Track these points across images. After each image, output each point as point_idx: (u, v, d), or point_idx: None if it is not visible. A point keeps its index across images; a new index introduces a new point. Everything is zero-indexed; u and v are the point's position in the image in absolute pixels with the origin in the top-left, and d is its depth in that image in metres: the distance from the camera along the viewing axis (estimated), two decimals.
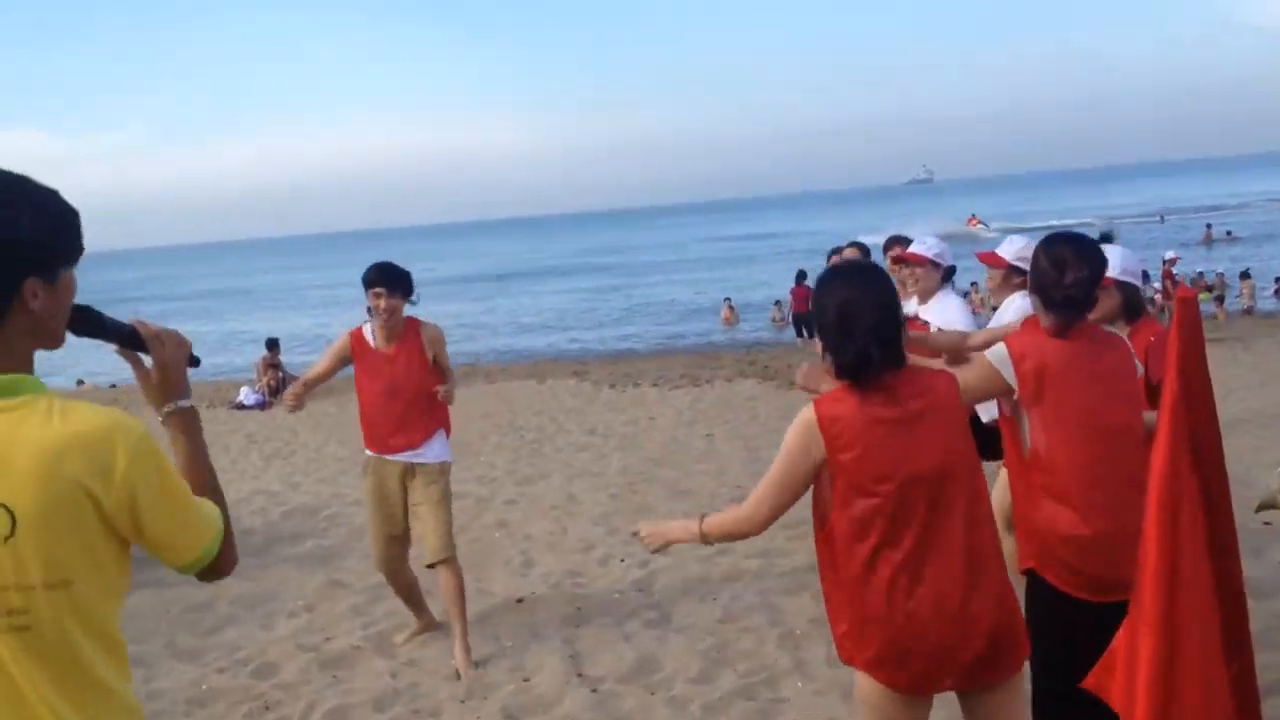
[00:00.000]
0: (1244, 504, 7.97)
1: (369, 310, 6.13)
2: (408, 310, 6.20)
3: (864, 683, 3.25)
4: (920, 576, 3.09)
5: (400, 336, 6.16)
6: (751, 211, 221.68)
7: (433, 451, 6.23)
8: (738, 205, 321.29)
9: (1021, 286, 5.64)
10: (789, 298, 26.14)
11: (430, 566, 6.15)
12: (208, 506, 2.21)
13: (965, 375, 3.64)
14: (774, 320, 33.22)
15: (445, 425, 6.34)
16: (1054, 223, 73.64)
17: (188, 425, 2.32)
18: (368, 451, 6.31)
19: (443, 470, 6.25)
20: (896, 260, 6.60)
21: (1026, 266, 5.57)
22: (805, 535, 8.06)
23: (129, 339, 2.35)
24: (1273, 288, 31.47)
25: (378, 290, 6.05)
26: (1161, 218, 69.40)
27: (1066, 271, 3.58)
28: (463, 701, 5.53)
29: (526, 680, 5.78)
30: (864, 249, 8.75)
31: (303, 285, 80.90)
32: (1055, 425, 3.58)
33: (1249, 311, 25.10)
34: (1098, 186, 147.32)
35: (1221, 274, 33.69)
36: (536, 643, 6.30)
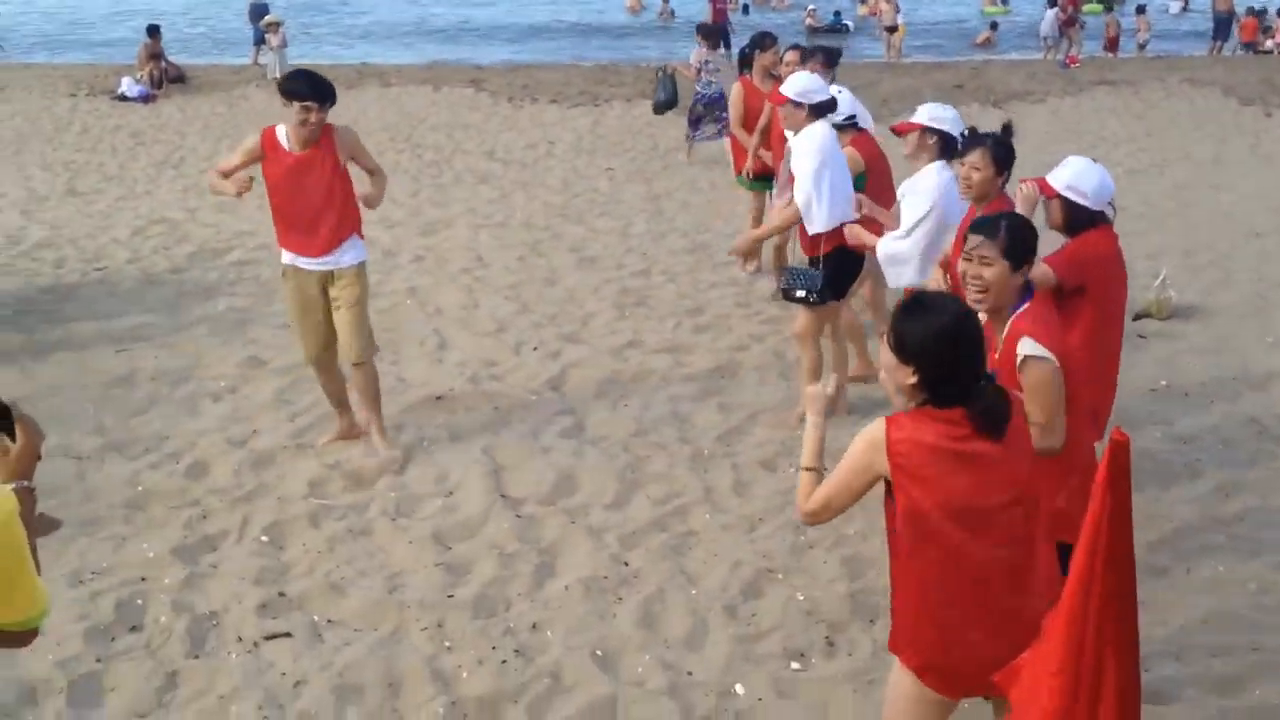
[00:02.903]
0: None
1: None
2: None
3: (904, 680, 3.36)
4: (977, 595, 3.20)
5: (315, 141, 6.11)
6: None
7: (348, 256, 6.30)
8: None
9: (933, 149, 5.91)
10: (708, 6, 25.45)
11: (354, 365, 6.41)
12: (43, 585, 2.44)
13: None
14: (660, 16, 33.23)
15: (357, 228, 6.35)
16: None
17: (27, 503, 2.51)
18: (284, 256, 6.36)
19: (359, 273, 6.34)
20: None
21: (940, 127, 5.85)
22: (709, 328, 8.46)
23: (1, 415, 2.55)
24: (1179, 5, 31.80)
25: (308, 104, 5.96)
26: None
27: None
28: (393, 520, 5.87)
29: (451, 495, 6.14)
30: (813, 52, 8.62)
31: None
32: None
33: (1142, 48, 25.35)
34: None
35: None
36: (457, 449, 6.62)
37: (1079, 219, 4.76)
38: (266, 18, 20.53)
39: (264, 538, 5.69)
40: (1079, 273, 4.70)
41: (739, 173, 9.62)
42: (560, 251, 10.49)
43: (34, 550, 2.44)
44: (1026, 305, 3.89)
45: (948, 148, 5.83)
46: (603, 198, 12.68)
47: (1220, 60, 22.08)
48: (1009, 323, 3.88)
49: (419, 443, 6.71)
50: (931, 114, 5.93)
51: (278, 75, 19.33)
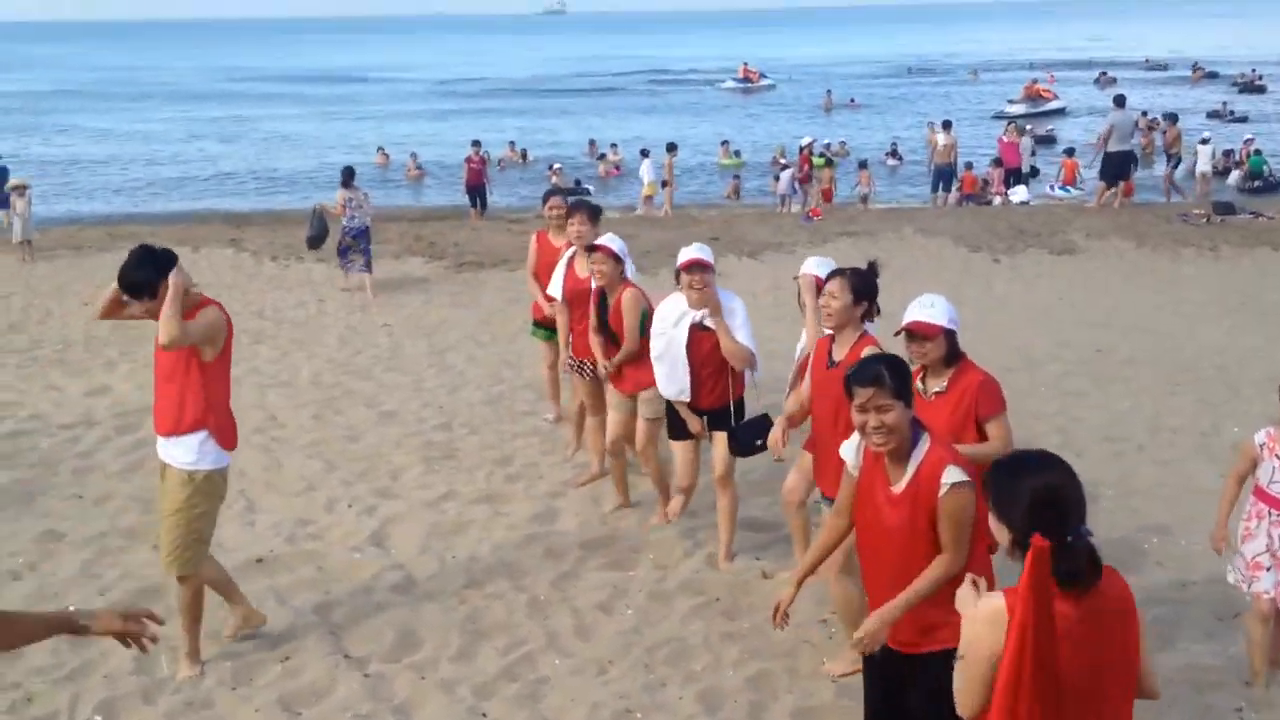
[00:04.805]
0: None
1: None
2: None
3: None
4: None
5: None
6: (363, 34, 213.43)
7: (182, 453, 5.59)
8: (342, 26, 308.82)
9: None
10: (463, 166, 26.04)
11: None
12: None
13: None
14: (409, 174, 33.71)
15: (212, 425, 5.63)
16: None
17: None
18: None
19: (188, 480, 5.59)
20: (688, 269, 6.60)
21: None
22: (520, 476, 8.54)
23: None
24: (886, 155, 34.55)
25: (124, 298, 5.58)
26: (789, 77, 72.58)
27: None
28: (233, 689, 5.68)
29: (289, 660, 5.97)
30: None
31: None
32: None
33: (864, 200, 27.20)
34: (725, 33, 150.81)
35: (843, 142, 36.64)
36: (287, 611, 6.47)
37: (956, 349, 5.00)
38: (12, 180, 19.76)
39: (98, 717, 5.40)
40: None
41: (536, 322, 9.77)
42: (356, 408, 10.41)
43: None
44: (930, 436, 4.09)
45: None
46: (386, 353, 12.66)
47: (946, 212, 23.92)
48: (924, 453, 4.03)
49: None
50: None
51: (22, 238, 18.60)
